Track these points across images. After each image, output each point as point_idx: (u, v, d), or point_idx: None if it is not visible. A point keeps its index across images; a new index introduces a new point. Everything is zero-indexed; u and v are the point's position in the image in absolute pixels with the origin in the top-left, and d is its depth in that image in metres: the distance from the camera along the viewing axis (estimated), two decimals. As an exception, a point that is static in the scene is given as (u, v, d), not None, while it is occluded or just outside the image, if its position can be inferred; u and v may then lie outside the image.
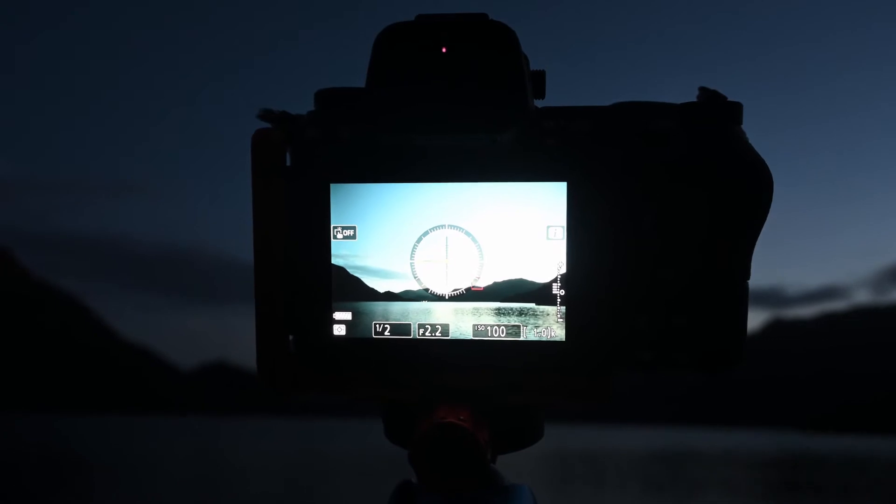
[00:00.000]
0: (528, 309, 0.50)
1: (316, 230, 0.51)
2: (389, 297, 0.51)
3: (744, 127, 0.49)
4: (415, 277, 0.51)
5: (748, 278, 0.49)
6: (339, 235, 0.51)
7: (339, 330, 0.51)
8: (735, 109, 0.48)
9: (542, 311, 0.50)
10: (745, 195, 0.48)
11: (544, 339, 0.50)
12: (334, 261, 0.51)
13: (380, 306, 0.51)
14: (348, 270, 0.51)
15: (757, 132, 0.50)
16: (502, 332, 0.50)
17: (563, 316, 0.50)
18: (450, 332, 0.51)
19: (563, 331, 0.50)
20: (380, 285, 0.51)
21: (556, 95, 0.51)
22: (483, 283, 0.50)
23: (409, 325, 0.51)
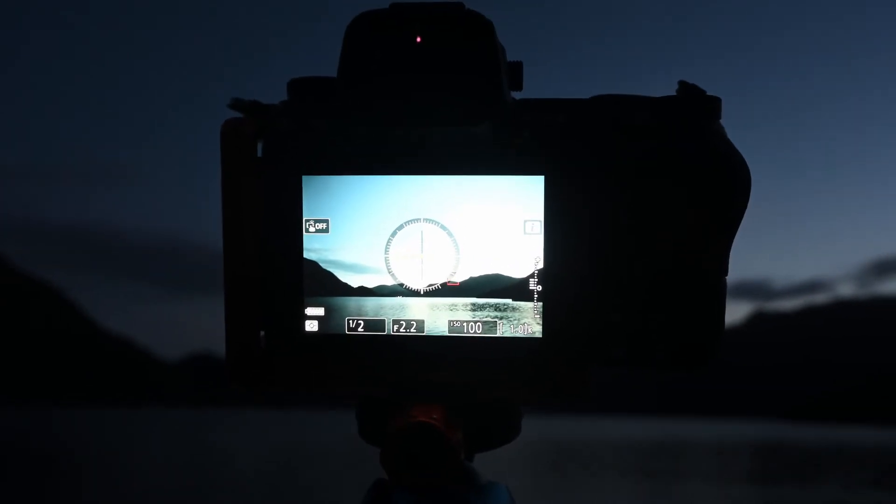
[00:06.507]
0: (505, 305, 0.49)
1: (288, 223, 0.50)
2: (363, 292, 0.50)
3: (723, 123, 0.48)
4: (389, 272, 0.50)
5: (726, 274, 0.49)
6: (312, 229, 0.50)
7: (311, 326, 0.50)
8: (714, 104, 0.48)
9: (519, 307, 0.49)
10: (722, 191, 0.47)
11: (521, 335, 0.49)
12: (306, 255, 0.50)
13: (353, 301, 0.50)
14: (321, 265, 0.50)
15: (736, 125, 0.49)
16: (478, 329, 0.50)
17: (540, 312, 0.49)
18: (425, 328, 0.50)
19: (540, 327, 0.49)
20: (353, 280, 0.50)
21: (534, 88, 0.50)
22: (459, 278, 0.49)
23: (384, 320, 0.50)
